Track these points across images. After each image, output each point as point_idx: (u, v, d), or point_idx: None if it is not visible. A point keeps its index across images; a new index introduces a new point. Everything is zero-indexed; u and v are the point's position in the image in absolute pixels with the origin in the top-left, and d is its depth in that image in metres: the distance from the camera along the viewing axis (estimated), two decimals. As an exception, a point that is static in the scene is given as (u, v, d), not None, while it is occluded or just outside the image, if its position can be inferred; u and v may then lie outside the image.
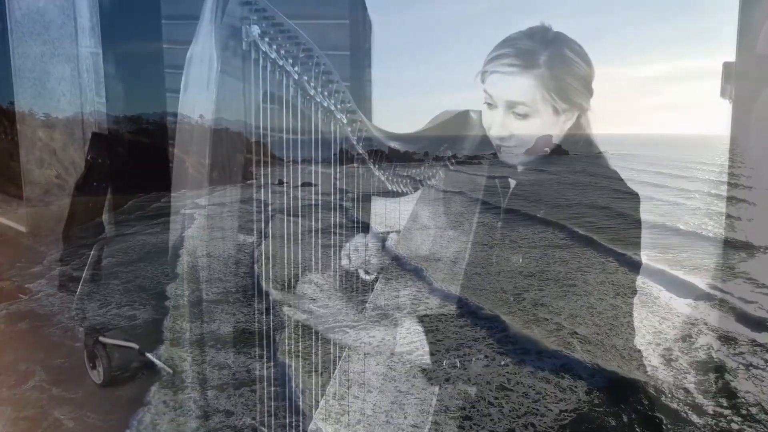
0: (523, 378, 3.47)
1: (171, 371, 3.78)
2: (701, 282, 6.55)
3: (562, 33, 1.37)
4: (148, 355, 3.90)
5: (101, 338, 3.76)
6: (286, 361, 3.86)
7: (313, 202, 1.79)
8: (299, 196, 1.68)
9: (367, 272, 1.65)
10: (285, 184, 1.67)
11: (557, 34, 1.37)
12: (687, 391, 3.84)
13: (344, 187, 1.69)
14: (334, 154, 1.52)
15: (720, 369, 4.22)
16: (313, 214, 1.77)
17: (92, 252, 4.87)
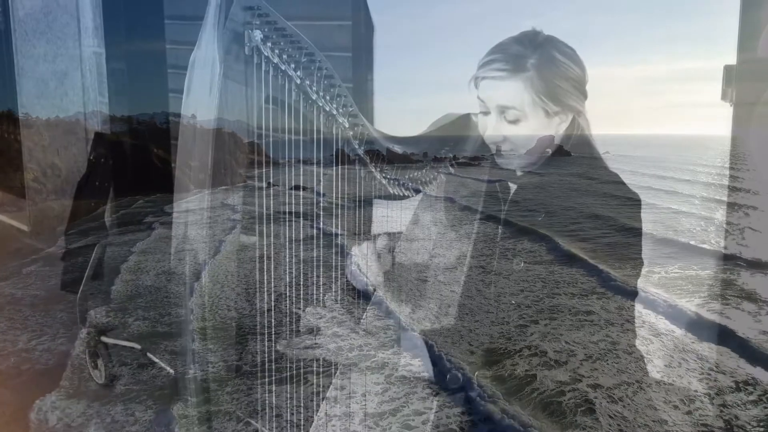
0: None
1: (172, 371, 3.78)
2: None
3: (553, 36, 1.38)
4: (149, 354, 3.91)
5: (103, 338, 3.77)
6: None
7: (291, 209, 1.64)
8: (280, 201, 1.60)
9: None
10: (275, 187, 1.61)
11: (547, 38, 1.37)
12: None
13: (323, 191, 1.55)
14: (332, 156, 1.50)
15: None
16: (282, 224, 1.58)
17: (94, 252, 4.88)
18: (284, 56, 1.32)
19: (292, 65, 1.33)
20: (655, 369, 4.45)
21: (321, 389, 1.59)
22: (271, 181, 1.89)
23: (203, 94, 1.33)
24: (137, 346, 3.93)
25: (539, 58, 1.35)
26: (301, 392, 1.53)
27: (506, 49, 1.37)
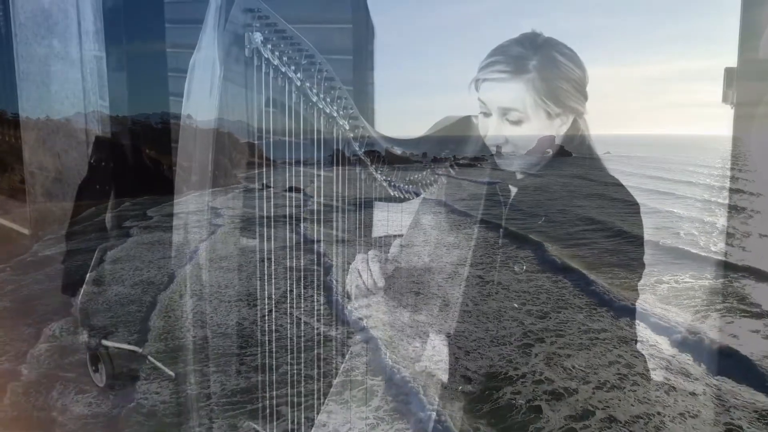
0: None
1: (173, 375, 3.77)
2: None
3: (553, 38, 1.38)
4: (151, 358, 3.90)
5: (104, 342, 3.76)
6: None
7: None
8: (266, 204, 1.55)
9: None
10: (269, 189, 1.58)
11: (547, 40, 1.38)
12: None
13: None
14: (331, 157, 1.48)
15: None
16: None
17: (95, 255, 4.87)
18: (284, 58, 1.32)
19: (293, 67, 1.33)
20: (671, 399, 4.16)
21: (294, 426, 1.52)
22: (266, 182, 1.86)
23: (203, 96, 1.33)
24: (138, 350, 3.91)
25: (540, 59, 1.35)
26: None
27: (507, 51, 1.37)
